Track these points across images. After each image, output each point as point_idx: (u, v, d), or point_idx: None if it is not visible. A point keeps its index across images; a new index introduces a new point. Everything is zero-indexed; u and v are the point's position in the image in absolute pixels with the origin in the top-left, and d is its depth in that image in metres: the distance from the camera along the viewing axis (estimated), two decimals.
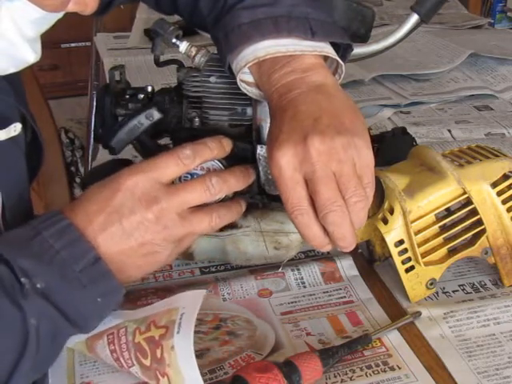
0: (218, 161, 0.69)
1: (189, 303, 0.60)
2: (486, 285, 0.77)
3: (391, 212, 0.72)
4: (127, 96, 0.76)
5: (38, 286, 0.57)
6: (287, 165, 0.61)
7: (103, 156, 1.00)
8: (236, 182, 0.67)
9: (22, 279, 0.57)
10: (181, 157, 0.65)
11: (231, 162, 0.69)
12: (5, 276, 0.57)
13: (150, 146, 0.75)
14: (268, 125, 0.71)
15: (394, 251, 0.72)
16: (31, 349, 0.57)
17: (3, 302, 0.56)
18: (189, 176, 0.68)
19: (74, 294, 0.59)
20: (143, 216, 0.62)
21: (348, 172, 0.61)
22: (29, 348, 0.57)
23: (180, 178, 0.67)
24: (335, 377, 0.64)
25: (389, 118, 1.25)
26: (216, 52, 0.74)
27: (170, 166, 0.65)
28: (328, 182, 0.61)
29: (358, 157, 0.62)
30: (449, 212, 0.74)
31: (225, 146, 0.68)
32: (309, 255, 0.82)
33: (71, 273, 0.59)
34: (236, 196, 0.70)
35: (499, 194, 0.74)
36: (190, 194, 0.64)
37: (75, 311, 0.59)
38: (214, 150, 0.67)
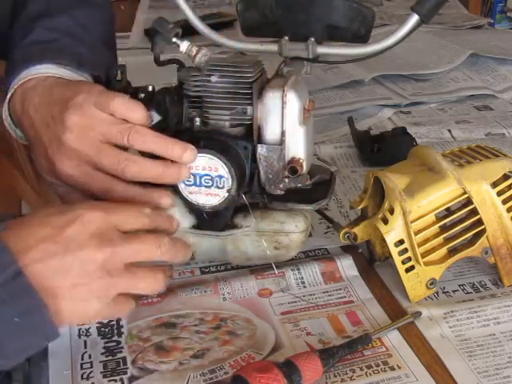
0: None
1: None
2: (486, 285, 0.77)
3: (391, 212, 0.72)
4: (128, 95, 0.75)
5: None
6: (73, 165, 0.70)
7: None
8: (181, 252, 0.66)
9: None
10: (141, 212, 0.64)
11: None
12: None
13: None
14: (269, 124, 0.71)
15: (394, 251, 0.73)
16: None
17: None
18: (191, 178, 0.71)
19: None
20: (90, 255, 0.57)
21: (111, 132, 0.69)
22: None
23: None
24: (335, 376, 0.64)
25: (389, 118, 1.25)
26: (217, 52, 0.74)
27: (130, 217, 0.62)
28: (106, 153, 0.69)
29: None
30: (449, 212, 0.74)
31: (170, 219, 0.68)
32: (309, 255, 0.82)
33: None
34: None
35: (499, 194, 0.74)
36: (142, 245, 0.61)
37: None
38: (166, 222, 0.67)
